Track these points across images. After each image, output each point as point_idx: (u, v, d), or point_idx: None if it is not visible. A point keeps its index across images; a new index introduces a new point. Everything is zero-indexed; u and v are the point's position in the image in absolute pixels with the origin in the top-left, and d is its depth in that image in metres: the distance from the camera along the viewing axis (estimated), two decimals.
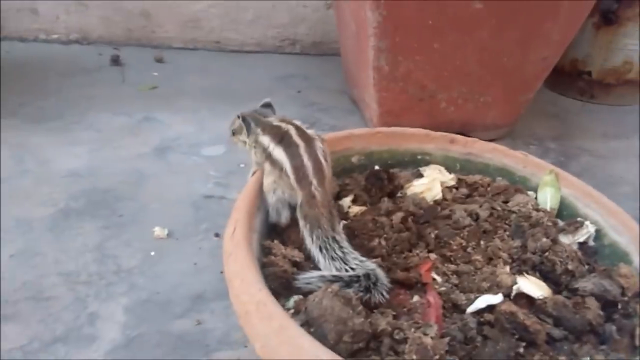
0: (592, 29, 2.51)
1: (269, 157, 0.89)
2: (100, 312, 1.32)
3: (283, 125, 0.94)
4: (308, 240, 0.82)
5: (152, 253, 1.52)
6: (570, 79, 2.68)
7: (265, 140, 0.92)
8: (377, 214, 0.89)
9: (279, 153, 0.87)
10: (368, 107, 2.09)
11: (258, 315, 0.66)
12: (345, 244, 0.81)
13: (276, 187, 0.87)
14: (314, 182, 0.83)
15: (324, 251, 0.80)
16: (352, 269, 0.77)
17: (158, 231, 1.59)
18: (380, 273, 0.77)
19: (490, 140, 2.16)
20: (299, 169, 0.85)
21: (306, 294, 0.74)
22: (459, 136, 1.05)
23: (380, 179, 0.96)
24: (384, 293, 0.74)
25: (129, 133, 2.13)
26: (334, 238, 0.80)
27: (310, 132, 0.91)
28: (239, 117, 1.03)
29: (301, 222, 0.83)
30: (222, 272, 1.46)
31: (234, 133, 1.09)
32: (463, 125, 2.08)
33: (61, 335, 1.25)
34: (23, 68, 2.59)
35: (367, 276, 0.75)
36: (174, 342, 1.25)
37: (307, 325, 0.66)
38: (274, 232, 0.88)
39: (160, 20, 2.93)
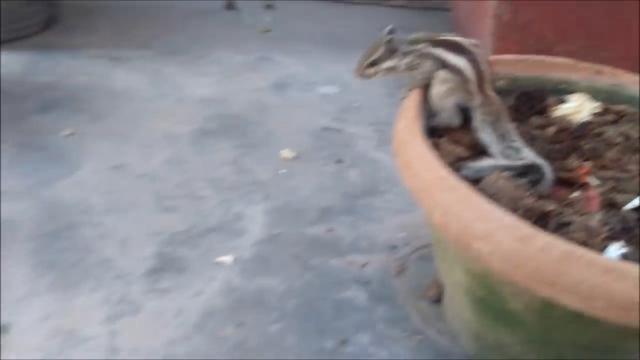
0: None
1: (446, 66, 1.00)
2: (245, 213, 1.51)
3: (451, 37, 1.04)
4: (486, 131, 0.93)
5: (282, 171, 1.69)
6: None
7: (439, 51, 1.02)
8: (530, 128, 0.99)
9: (459, 61, 0.98)
10: None
11: (440, 188, 0.79)
12: (518, 138, 0.92)
13: (452, 92, 0.98)
14: (490, 86, 0.95)
15: (501, 140, 0.92)
16: (523, 159, 0.89)
17: (286, 153, 1.76)
18: (548, 168, 0.88)
19: None
20: (479, 74, 0.96)
21: (474, 182, 0.86)
22: (605, 67, 1.12)
23: (531, 97, 1.05)
24: (549, 187, 0.85)
25: (248, 69, 2.30)
26: (511, 130, 0.92)
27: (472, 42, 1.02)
28: (385, 43, 1.10)
29: (479, 117, 0.95)
30: (346, 192, 1.62)
31: (372, 64, 1.13)
32: None
33: (215, 226, 1.45)
34: (149, 8, 2.81)
35: (537, 167, 0.86)
36: (310, 242, 1.43)
37: None
38: (436, 135, 1.00)
39: None
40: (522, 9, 1.89)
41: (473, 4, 2.13)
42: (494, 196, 0.79)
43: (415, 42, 1.08)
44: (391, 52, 1.08)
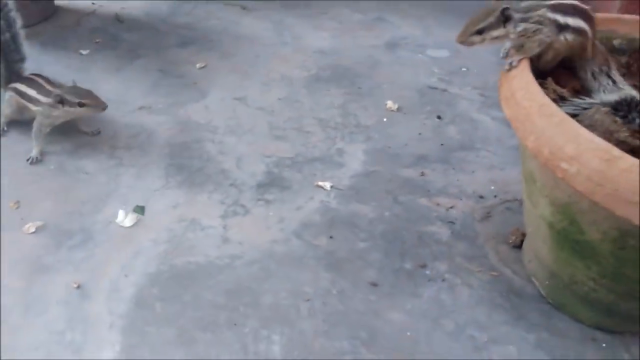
0: None
1: (567, 28, 1.03)
2: (346, 149, 1.65)
3: (565, 1, 1.05)
4: (593, 77, 0.99)
5: (385, 119, 1.80)
6: None
7: (559, 16, 1.04)
8: (637, 81, 1.02)
9: (579, 22, 1.02)
10: None
11: (539, 114, 0.86)
12: (623, 79, 0.97)
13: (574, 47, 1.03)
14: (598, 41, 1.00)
15: (606, 82, 0.96)
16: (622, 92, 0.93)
17: (390, 104, 1.87)
18: None
19: None
20: (594, 32, 1.02)
21: (574, 115, 0.92)
22: None
23: None
24: None
25: (364, 28, 2.41)
26: (617, 75, 0.97)
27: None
28: (500, 11, 1.06)
29: (588, 69, 1.00)
30: (442, 145, 1.70)
31: (480, 32, 1.10)
32: None
33: (319, 157, 1.61)
34: None
35: (636, 101, 0.91)
36: (402, 182, 1.54)
37: None
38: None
39: None
40: None
41: None
42: (590, 127, 0.84)
43: (531, 9, 1.06)
44: (504, 20, 1.06)
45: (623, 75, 1.06)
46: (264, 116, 1.78)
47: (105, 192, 1.43)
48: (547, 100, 0.87)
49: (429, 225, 1.40)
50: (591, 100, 0.93)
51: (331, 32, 2.35)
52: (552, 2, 1.06)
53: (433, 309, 1.17)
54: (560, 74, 1.04)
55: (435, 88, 1.99)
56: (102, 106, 1.50)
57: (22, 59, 1.63)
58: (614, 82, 0.97)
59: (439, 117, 1.83)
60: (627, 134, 0.85)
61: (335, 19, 2.46)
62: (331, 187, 1.51)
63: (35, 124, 1.52)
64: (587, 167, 0.79)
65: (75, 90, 1.52)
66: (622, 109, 0.92)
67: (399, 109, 1.85)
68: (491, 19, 1.08)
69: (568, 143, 0.81)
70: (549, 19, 1.04)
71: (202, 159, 1.58)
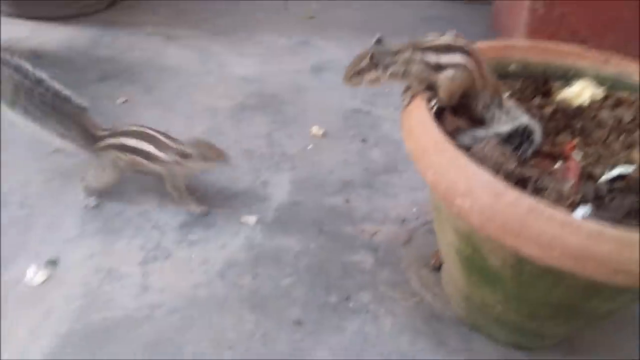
0: None
1: (443, 67, 1.03)
2: (271, 180, 1.65)
3: (438, 41, 1.06)
4: (484, 100, 1.00)
5: (310, 146, 1.81)
6: None
7: (429, 55, 1.04)
8: (530, 107, 1.07)
9: (457, 58, 1.02)
10: None
11: (434, 150, 0.89)
12: (511, 103, 1.00)
13: (462, 86, 1.02)
14: (488, 73, 1.01)
15: (499, 112, 0.99)
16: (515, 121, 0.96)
17: (315, 130, 1.88)
18: (538, 127, 0.96)
19: None
20: (479, 64, 1.02)
21: (468, 148, 0.95)
22: (613, 57, 1.16)
23: (535, 81, 1.12)
24: (535, 146, 0.94)
25: (289, 52, 2.43)
26: (510, 104, 1.00)
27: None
28: (370, 55, 1.07)
29: (481, 100, 1.01)
30: (367, 169, 1.72)
31: (358, 73, 1.10)
32: None
33: (244, 190, 1.60)
34: None
35: (527, 128, 0.94)
36: (328, 211, 1.54)
37: None
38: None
39: None
40: (557, 4, 1.93)
41: None
42: (481, 161, 0.88)
43: (398, 52, 1.07)
44: (375, 64, 1.08)
45: (518, 99, 1.11)
46: None
47: (14, 247, 1.36)
48: (441, 137, 0.90)
49: (354, 254, 1.41)
50: (485, 132, 0.97)
51: (257, 58, 2.35)
52: (423, 44, 1.07)
53: (357, 342, 1.17)
54: (460, 104, 1.07)
55: (360, 111, 2.02)
56: (225, 158, 1.43)
57: (82, 108, 1.46)
58: (507, 112, 1.00)
59: (363, 141, 1.85)
60: (514, 166, 0.88)
61: (261, 45, 2.47)
62: (256, 221, 1.49)
63: (169, 187, 1.44)
64: (478, 202, 0.81)
65: (196, 143, 1.43)
66: (514, 139, 0.96)
67: (324, 135, 1.87)
68: (363, 64, 1.09)
69: (460, 179, 0.84)
70: (419, 60, 1.05)
71: (123, 201, 1.53)
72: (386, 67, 1.07)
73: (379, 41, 1.10)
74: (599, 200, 0.86)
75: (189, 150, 1.40)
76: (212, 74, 2.20)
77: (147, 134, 1.43)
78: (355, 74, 1.10)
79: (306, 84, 2.18)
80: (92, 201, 1.48)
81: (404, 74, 1.07)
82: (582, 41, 2.03)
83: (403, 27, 2.80)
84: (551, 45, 1.20)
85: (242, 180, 1.64)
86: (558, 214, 0.76)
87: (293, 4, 2.92)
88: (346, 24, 2.72)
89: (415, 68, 1.04)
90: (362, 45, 2.66)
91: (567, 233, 0.74)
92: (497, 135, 0.96)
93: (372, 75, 1.09)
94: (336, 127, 1.92)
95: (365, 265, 1.37)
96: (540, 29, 2.01)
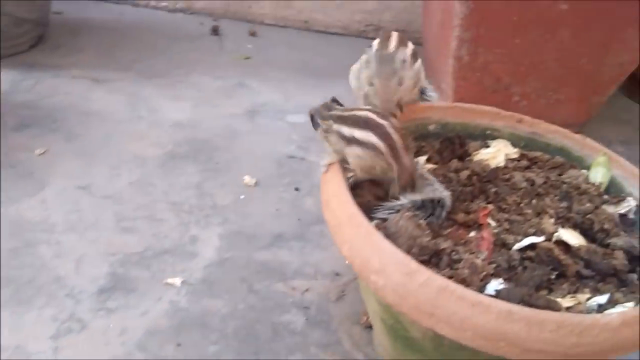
0: None
1: (354, 142, 0.99)
2: (200, 236, 1.58)
3: (360, 113, 1.02)
4: (394, 189, 0.98)
5: (242, 196, 1.77)
6: None
7: (344, 128, 1.01)
8: (447, 171, 1.08)
9: (368, 136, 0.97)
10: (443, 94, 2.24)
11: (349, 225, 0.87)
12: (426, 174, 0.99)
13: (369, 166, 0.99)
14: (404, 153, 0.98)
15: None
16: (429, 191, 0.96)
17: (247, 179, 1.84)
18: (448, 200, 0.96)
19: None
20: (391, 145, 0.96)
21: (384, 219, 0.94)
22: (526, 117, 1.21)
23: (452, 143, 1.14)
24: (444, 214, 0.94)
25: (224, 95, 2.40)
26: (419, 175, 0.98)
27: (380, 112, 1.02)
28: (310, 112, 1.08)
29: (394, 187, 0.99)
30: (299, 220, 1.70)
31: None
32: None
33: (170, 248, 1.52)
34: (135, 31, 2.91)
35: (436, 201, 0.94)
36: (258, 267, 1.50)
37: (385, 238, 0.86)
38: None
39: None
40: (480, 52, 2.00)
41: (437, 43, 2.25)
42: (395, 234, 0.87)
43: (325, 117, 1.06)
44: (313, 122, 1.09)
45: (436, 163, 1.12)
46: (110, 206, 1.66)
47: None
48: (355, 210, 0.89)
49: (284, 313, 1.36)
50: (400, 203, 0.96)
51: (190, 101, 2.30)
52: (343, 112, 1.05)
53: None
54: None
55: (294, 157, 2.01)
56: None
57: None
58: (421, 177, 1.00)
59: (296, 189, 1.83)
60: (428, 239, 0.88)
61: (195, 87, 2.42)
62: (182, 282, 1.42)
63: None
64: (392, 281, 0.80)
65: None
66: (428, 206, 0.96)
67: (256, 184, 1.83)
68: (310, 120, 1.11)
69: (374, 256, 0.82)
70: (335, 130, 1.03)
71: (34, 267, 1.42)
72: (318, 128, 1.09)
73: (333, 101, 1.11)
74: (511, 270, 0.87)
75: None
76: (142, 120, 2.13)
77: None
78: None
79: (241, 129, 2.14)
80: None
81: (325, 140, 1.06)
82: (506, 87, 2.13)
83: (340, 68, 2.83)
84: (468, 106, 1.23)
85: (169, 236, 1.57)
86: (468, 293, 0.75)
87: (229, 43, 2.91)
88: (283, 65, 2.72)
89: (332, 138, 1.04)
90: (299, 87, 2.67)
91: (477, 313, 0.74)
92: (414, 203, 0.96)
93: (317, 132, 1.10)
94: (269, 175, 1.89)
95: (297, 325, 1.33)
96: (466, 76, 2.08)
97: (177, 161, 1.91)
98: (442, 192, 0.97)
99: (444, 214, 0.96)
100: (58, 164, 1.81)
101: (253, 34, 3.08)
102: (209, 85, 2.45)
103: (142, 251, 1.51)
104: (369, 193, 1.00)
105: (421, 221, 0.91)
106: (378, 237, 0.83)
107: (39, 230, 1.53)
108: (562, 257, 0.86)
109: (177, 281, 1.42)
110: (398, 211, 0.92)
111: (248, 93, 2.42)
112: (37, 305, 1.31)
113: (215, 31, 3.02)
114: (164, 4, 3.25)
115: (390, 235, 0.86)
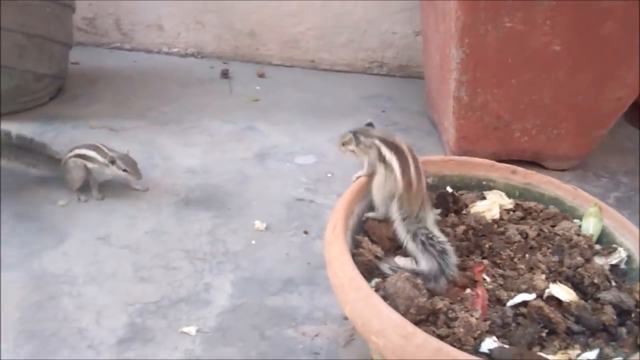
0: None
1: (383, 160, 1.23)
2: (213, 283, 1.65)
3: (391, 138, 1.28)
4: (400, 227, 1.10)
5: (253, 242, 1.84)
6: None
7: (383, 147, 1.25)
8: (444, 226, 1.14)
9: (391, 157, 1.21)
10: (446, 132, 2.31)
11: (350, 287, 0.93)
12: (434, 230, 1.08)
13: (383, 184, 1.19)
14: (414, 176, 1.13)
15: (415, 239, 1.07)
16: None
17: (258, 224, 1.91)
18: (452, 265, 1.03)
19: (562, 171, 2.30)
20: (404, 170, 1.17)
21: (384, 278, 1.00)
22: (520, 168, 1.26)
23: (446, 199, 1.20)
24: (446, 282, 1.00)
25: (234, 139, 2.49)
26: (424, 228, 1.08)
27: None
28: (351, 132, 1.37)
29: (396, 215, 1.11)
30: (309, 263, 1.76)
31: (344, 144, 1.41)
32: (535, 154, 2.24)
33: (185, 297, 1.59)
34: (148, 77, 3.04)
35: (436, 272, 1.01)
36: (269, 313, 1.56)
37: (383, 298, 0.92)
38: (362, 230, 1.15)
39: (264, 39, 3.30)
40: (479, 93, 2.08)
41: (438, 84, 2.33)
42: (393, 295, 0.93)
43: (370, 135, 1.31)
44: (355, 139, 1.33)
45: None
46: (128, 255, 1.74)
47: None
48: (355, 273, 0.95)
49: None
50: (396, 264, 1.02)
51: (202, 147, 2.39)
52: (385, 135, 1.30)
53: None
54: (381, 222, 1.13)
55: (303, 199, 2.08)
56: (139, 177, 1.94)
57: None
58: (427, 236, 1.07)
59: (305, 232, 1.90)
60: (425, 299, 0.94)
61: (206, 132, 2.52)
62: (197, 331, 1.48)
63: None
64: (391, 342, 0.85)
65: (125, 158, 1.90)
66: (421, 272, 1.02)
67: (267, 228, 1.90)
68: (347, 137, 1.36)
69: (373, 318, 0.88)
70: (375, 146, 1.28)
71: (57, 319, 1.49)
72: (359, 144, 1.32)
73: (368, 124, 1.38)
74: (505, 327, 0.91)
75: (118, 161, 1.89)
76: (156, 168, 2.22)
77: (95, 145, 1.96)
78: (342, 143, 1.39)
79: (250, 173, 2.22)
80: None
81: (366, 154, 1.29)
82: (507, 124, 2.19)
83: (346, 106, 2.93)
84: (463, 159, 1.30)
85: (184, 285, 1.64)
86: (461, 355, 0.80)
87: (238, 86, 3.02)
88: (291, 106, 2.82)
89: (373, 153, 1.24)
90: (306, 128, 2.76)
91: None
92: (411, 270, 1.01)
93: (352, 147, 1.33)
94: (279, 219, 1.96)
95: None
96: (467, 115, 2.15)
97: (190, 208, 1.99)
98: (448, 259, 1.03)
99: (445, 279, 1.02)
100: (78, 215, 1.90)
101: (261, 75, 3.20)
102: (220, 129, 2.55)
103: (159, 300, 1.58)
104: (369, 252, 1.06)
105: (418, 281, 0.96)
106: (377, 300, 0.89)
107: (62, 282, 1.61)
108: (552, 315, 0.91)
109: (192, 330, 1.48)
110: (397, 270, 0.98)
111: (257, 136, 2.51)
112: (60, 357, 1.38)
113: (225, 74, 3.14)
114: (175, 49, 3.39)
115: (389, 296, 0.92)
